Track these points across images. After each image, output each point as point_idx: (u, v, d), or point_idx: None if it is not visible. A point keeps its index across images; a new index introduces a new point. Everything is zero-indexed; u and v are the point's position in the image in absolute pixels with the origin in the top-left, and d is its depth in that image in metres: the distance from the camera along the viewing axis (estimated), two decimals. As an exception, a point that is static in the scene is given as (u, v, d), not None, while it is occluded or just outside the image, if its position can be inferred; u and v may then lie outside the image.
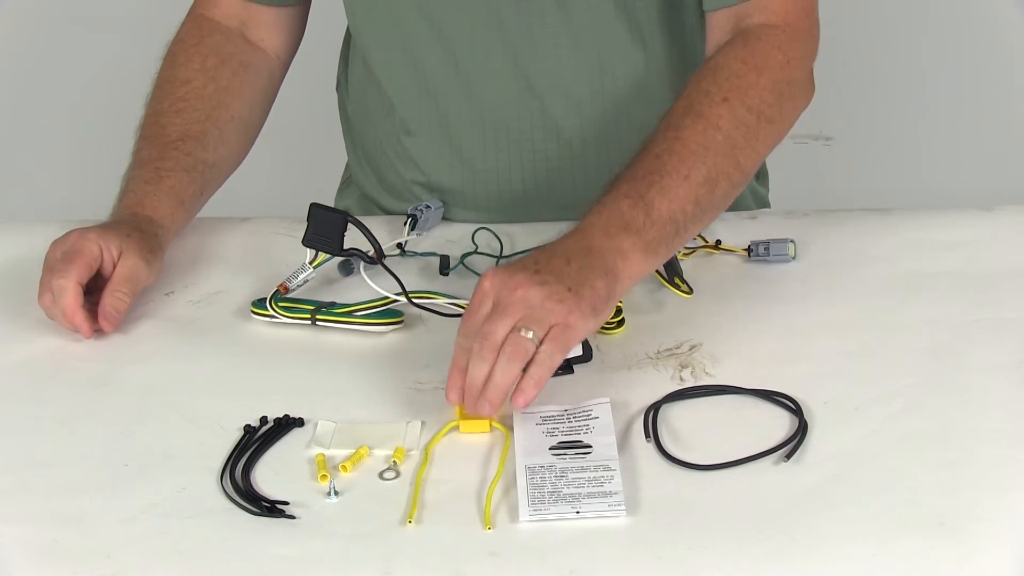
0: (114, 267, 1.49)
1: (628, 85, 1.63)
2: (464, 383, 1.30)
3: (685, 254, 1.56)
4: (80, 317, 1.46)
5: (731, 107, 1.47)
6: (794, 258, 1.56)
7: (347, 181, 1.87)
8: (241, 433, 1.33)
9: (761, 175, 1.84)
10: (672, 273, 1.50)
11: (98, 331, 1.48)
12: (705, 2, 1.58)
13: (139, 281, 1.50)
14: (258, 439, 1.33)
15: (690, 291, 1.49)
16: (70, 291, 1.45)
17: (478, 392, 1.29)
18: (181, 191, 1.59)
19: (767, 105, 1.49)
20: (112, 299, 1.47)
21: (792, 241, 1.56)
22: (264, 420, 1.35)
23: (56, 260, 1.48)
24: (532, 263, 1.33)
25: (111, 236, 1.50)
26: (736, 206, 1.76)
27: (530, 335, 1.28)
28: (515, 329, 1.28)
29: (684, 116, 1.46)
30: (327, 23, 1.80)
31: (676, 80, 1.63)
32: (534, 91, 1.62)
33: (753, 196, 1.81)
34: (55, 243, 1.51)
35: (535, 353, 1.29)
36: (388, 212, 1.75)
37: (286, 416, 1.35)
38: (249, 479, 1.28)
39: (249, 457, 1.30)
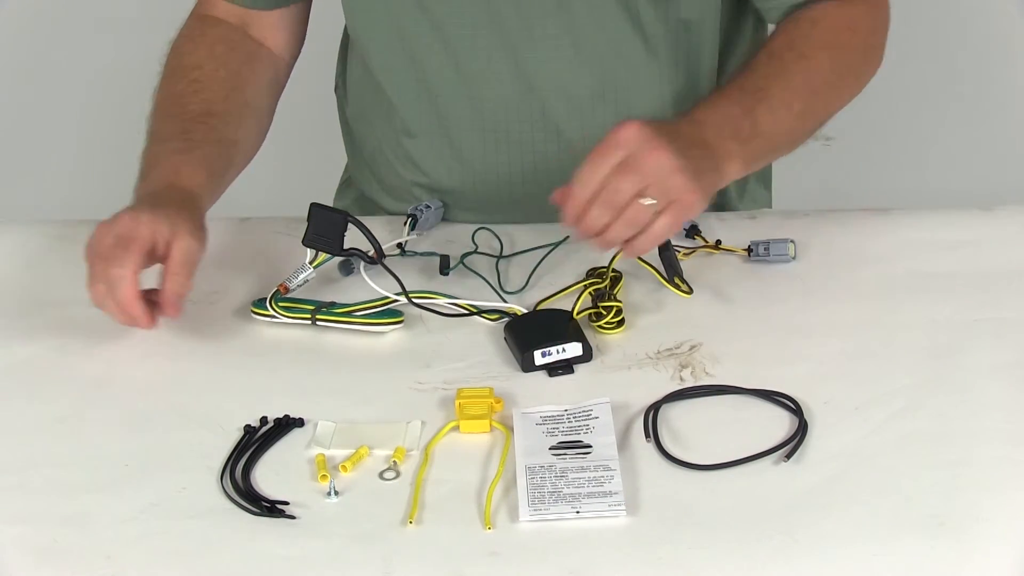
0: (166, 248, 1.43)
1: (630, 86, 1.62)
2: (580, 212, 1.36)
3: (685, 254, 1.56)
4: (139, 308, 1.41)
5: (830, 56, 1.55)
6: (794, 258, 1.56)
7: (346, 182, 1.87)
8: (241, 433, 1.33)
9: (765, 177, 1.84)
10: (672, 273, 1.50)
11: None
12: (768, 14, 1.62)
13: (195, 261, 1.44)
14: (258, 439, 1.32)
15: (690, 291, 1.49)
16: (128, 281, 1.40)
17: (591, 233, 1.37)
18: (213, 162, 1.55)
19: (856, 63, 1.58)
20: (173, 284, 1.42)
21: (792, 241, 1.56)
22: (264, 420, 1.35)
23: (109, 247, 1.41)
24: (666, 131, 1.37)
25: (161, 218, 1.43)
26: (737, 207, 1.77)
27: (651, 203, 1.35)
28: (639, 195, 1.34)
29: (787, 51, 1.53)
30: (326, 24, 1.80)
31: (679, 80, 1.63)
32: (535, 92, 1.62)
33: (755, 203, 1.81)
34: (103, 227, 1.43)
35: (653, 224, 1.36)
36: (388, 213, 1.75)
37: (286, 416, 1.35)
38: (249, 479, 1.28)
39: (249, 457, 1.30)
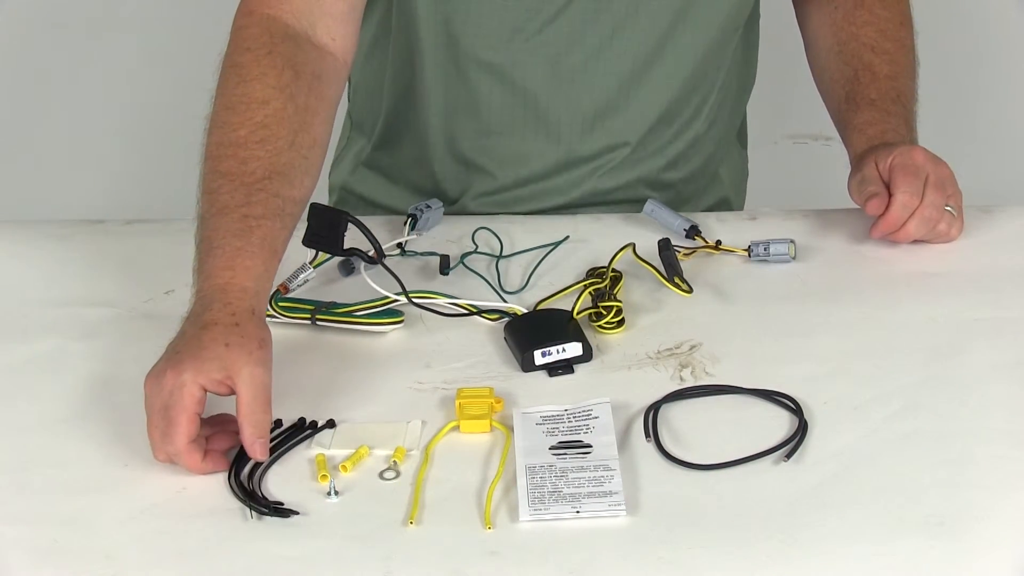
0: (230, 387, 1.30)
1: (658, 69, 1.63)
2: (892, 230, 1.56)
3: (685, 254, 1.56)
4: (207, 469, 1.29)
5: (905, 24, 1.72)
6: (794, 258, 1.56)
7: (345, 147, 1.85)
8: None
9: (741, 136, 1.86)
10: (672, 273, 1.50)
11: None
12: None
13: (265, 388, 1.30)
14: (272, 440, 1.32)
15: (690, 290, 1.49)
16: (184, 456, 1.28)
17: (897, 226, 1.56)
18: (272, 239, 1.40)
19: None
20: (250, 430, 1.28)
21: (792, 241, 1.56)
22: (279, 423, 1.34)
23: (159, 418, 1.29)
24: (924, 151, 1.58)
25: (209, 365, 1.29)
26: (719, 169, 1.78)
27: (950, 209, 1.57)
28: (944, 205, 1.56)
29: (887, 43, 1.69)
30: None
31: (713, 60, 1.66)
32: (566, 75, 1.62)
33: (736, 195, 1.84)
34: (152, 385, 1.30)
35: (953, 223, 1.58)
36: (391, 178, 1.74)
37: (300, 419, 1.34)
38: (259, 480, 1.28)
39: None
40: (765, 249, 1.56)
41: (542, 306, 1.50)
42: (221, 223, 1.40)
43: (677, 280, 1.49)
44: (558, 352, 1.41)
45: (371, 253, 1.49)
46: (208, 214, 1.42)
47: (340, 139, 1.87)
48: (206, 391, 1.29)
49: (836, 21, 1.70)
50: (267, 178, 1.43)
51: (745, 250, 1.57)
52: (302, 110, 1.48)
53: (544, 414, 1.34)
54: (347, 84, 1.79)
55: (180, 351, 1.30)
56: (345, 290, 1.54)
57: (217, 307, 1.34)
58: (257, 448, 1.28)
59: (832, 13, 1.71)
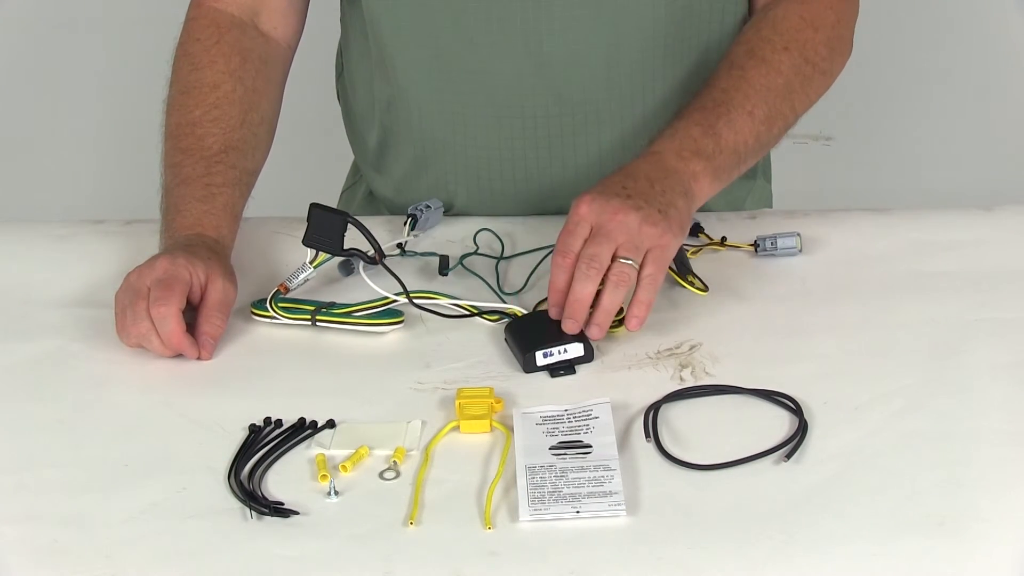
0: (202, 292, 1.46)
1: (643, 55, 1.62)
2: (564, 300, 1.40)
3: (692, 252, 1.56)
4: (186, 343, 1.43)
5: (791, 56, 1.57)
6: (800, 251, 1.56)
7: (354, 185, 1.86)
8: (243, 433, 1.33)
9: (766, 171, 1.84)
10: (684, 271, 1.49)
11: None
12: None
13: (230, 303, 1.47)
14: (272, 440, 1.32)
15: (705, 288, 1.48)
16: (173, 319, 1.41)
17: (582, 308, 1.40)
18: (233, 206, 1.56)
19: (821, 58, 1.60)
20: (209, 326, 1.44)
21: (798, 234, 1.56)
22: (269, 421, 1.34)
23: (148, 288, 1.43)
24: (621, 188, 1.43)
25: (197, 261, 1.46)
26: (741, 204, 1.77)
27: (631, 262, 1.39)
28: (616, 257, 1.39)
29: (747, 58, 1.56)
30: (322, 26, 1.80)
31: (690, 46, 1.64)
32: (547, 66, 1.61)
33: (761, 194, 1.82)
34: (141, 271, 1.45)
35: (640, 278, 1.40)
36: (395, 210, 1.74)
37: (301, 419, 1.34)
38: (255, 479, 1.27)
39: (261, 458, 1.30)
40: (773, 243, 1.57)
41: (544, 305, 1.49)
42: (186, 191, 1.55)
43: (691, 278, 1.49)
44: (560, 352, 1.40)
45: (371, 253, 1.49)
46: (172, 184, 1.57)
47: (346, 180, 1.90)
48: (191, 281, 1.43)
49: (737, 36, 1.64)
50: (223, 151, 1.58)
51: (752, 245, 1.57)
52: (250, 92, 1.64)
53: (544, 414, 1.34)
54: (347, 122, 1.80)
55: (168, 251, 1.47)
56: (345, 290, 1.54)
57: (195, 241, 1.50)
58: (206, 348, 1.44)
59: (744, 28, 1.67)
